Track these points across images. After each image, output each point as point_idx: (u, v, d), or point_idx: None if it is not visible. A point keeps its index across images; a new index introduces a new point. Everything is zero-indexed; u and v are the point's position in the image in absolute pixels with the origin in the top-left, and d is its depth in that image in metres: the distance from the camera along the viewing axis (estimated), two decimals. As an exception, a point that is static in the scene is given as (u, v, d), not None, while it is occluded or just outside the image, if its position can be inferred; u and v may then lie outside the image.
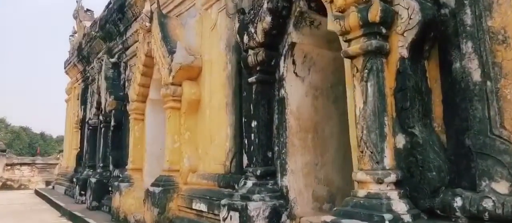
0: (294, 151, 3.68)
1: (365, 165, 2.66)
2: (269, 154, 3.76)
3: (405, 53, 2.63)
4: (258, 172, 3.66)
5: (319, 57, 3.86)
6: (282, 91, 3.71)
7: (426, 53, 2.71)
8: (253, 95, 3.81)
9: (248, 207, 3.44)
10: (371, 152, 2.63)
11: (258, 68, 3.76)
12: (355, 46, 2.73)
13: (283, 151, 3.66)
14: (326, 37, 3.82)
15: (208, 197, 4.55)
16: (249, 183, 3.72)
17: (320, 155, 3.85)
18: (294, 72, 3.76)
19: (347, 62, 3.00)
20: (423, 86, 2.69)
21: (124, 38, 7.90)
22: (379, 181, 2.56)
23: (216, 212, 4.17)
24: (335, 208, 2.70)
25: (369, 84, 2.68)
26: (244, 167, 4.33)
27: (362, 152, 2.69)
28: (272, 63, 3.78)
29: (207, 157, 5.03)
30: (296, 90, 3.76)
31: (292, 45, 3.68)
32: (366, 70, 2.69)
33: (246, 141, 4.29)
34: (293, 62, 3.74)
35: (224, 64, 4.80)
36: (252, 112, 3.82)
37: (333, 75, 4.02)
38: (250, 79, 3.84)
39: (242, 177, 4.16)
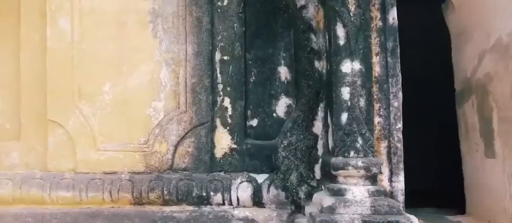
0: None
1: None
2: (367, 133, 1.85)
3: None
4: (373, 169, 1.71)
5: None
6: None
7: None
8: None
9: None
10: None
11: None
12: None
13: (398, 126, 1.90)
14: None
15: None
16: (357, 192, 1.69)
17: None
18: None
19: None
20: None
21: None
22: None
23: None
24: None
25: None
26: (233, 154, 2.12)
27: None
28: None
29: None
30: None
31: None
32: None
33: (229, 102, 2.11)
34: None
35: None
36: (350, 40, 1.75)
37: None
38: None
39: (239, 176, 1.99)
